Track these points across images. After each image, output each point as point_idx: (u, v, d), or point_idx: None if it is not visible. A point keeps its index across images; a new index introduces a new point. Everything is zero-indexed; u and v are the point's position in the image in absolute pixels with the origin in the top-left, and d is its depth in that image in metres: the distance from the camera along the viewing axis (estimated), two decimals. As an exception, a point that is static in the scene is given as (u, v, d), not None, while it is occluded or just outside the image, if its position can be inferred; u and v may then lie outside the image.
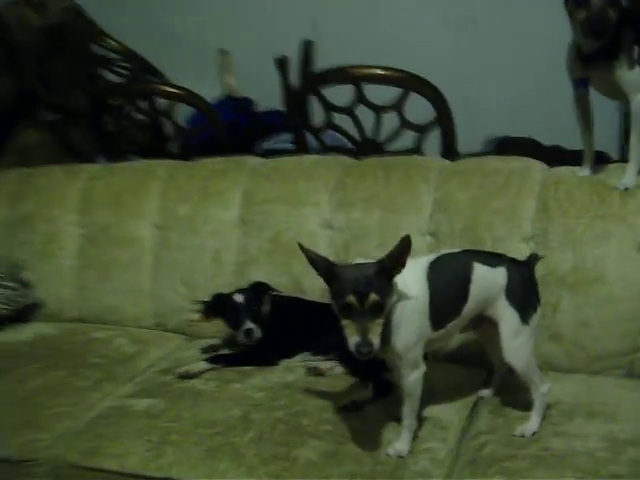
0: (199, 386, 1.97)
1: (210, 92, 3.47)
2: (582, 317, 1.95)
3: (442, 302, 1.64)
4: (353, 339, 1.44)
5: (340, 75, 2.39)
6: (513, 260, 1.74)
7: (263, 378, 1.98)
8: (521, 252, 1.99)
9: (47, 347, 2.29)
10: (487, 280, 1.68)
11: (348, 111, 2.46)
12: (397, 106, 2.40)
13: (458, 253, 1.76)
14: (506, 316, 1.68)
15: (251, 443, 1.69)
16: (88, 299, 2.51)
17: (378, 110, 2.43)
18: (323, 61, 3.44)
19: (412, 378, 1.62)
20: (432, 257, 1.71)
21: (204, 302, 2.28)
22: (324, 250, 2.14)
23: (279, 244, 2.27)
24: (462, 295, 1.67)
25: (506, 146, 2.79)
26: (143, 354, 2.24)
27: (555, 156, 2.70)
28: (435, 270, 1.66)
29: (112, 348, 2.27)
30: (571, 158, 2.58)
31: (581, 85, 2.01)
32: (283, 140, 2.98)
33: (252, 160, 2.47)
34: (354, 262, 1.59)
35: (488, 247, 2.02)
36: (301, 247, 1.54)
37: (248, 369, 2.04)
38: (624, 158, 2.14)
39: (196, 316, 2.33)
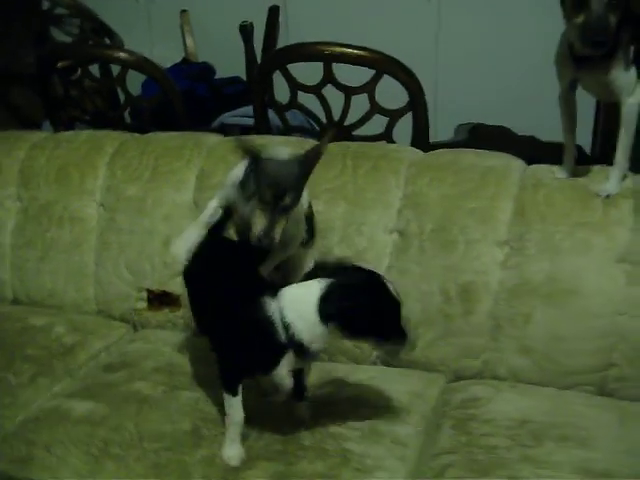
0: (145, 391, 1.80)
1: (171, 55, 3.29)
2: (555, 330, 1.82)
3: None
4: (258, 229, 1.52)
5: (309, 52, 2.20)
6: None
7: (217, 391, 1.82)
8: (495, 257, 1.90)
9: (-21, 335, 2.10)
10: None
11: (315, 90, 2.28)
12: (368, 88, 2.23)
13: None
14: None
15: (199, 462, 1.56)
16: (26, 280, 2.32)
17: (347, 91, 2.26)
18: (289, 32, 3.28)
19: None
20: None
21: (151, 290, 2.16)
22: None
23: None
24: None
25: (478, 135, 2.65)
26: (84, 345, 2.06)
27: (529, 148, 2.61)
28: None
29: (50, 338, 2.08)
30: (546, 151, 2.48)
31: (571, 86, 1.88)
32: (243, 113, 2.78)
33: (210, 138, 2.28)
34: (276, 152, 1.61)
35: (460, 250, 1.91)
36: None
37: (203, 375, 1.88)
38: (595, 154, 2.02)
39: (142, 305, 2.20)
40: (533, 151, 2.60)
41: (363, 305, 1.44)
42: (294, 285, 1.55)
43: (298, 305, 1.47)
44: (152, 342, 2.09)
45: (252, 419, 1.61)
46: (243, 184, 1.66)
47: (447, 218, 1.93)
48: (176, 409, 1.74)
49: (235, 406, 1.56)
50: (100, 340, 2.11)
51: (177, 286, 2.16)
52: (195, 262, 1.76)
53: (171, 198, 2.18)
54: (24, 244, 2.32)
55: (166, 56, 3.30)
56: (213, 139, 2.28)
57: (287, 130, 2.41)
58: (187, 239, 1.77)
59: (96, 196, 2.26)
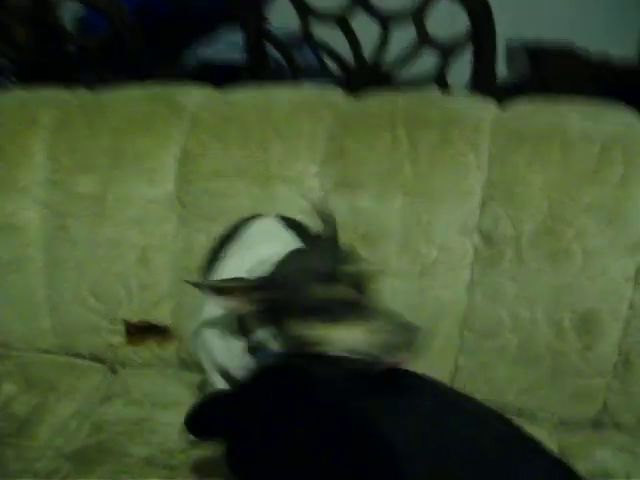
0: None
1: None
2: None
3: None
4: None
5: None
6: None
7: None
8: (626, 271, 1.32)
9: None
10: None
11: (338, 20, 1.58)
12: (416, 14, 1.54)
13: None
14: None
15: None
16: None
17: (385, 20, 1.57)
18: None
19: None
20: None
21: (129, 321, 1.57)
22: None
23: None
24: None
25: (535, 57, 1.99)
26: (42, 415, 1.45)
27: (601, 69, 1.99)
28: None
29: (-6, 406, 1.48)
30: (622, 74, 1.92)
31: None
32: (232, 43, 2.02)
33: (192, 97, 1.58)
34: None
35: (577, 264, 1.32)
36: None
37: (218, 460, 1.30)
38: None
39: (119, 340, 1.61)
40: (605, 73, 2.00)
41: None
42: None
43: None
44: (138, 397, 1.50)
45: None
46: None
47: (556, 215, 1.33)
48: None
49: None
50: (66, 400, 1.50)
51: (165, 313, 1.56)
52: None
53: (142, 194, 1.51)
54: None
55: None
56: (196, 98, 1.58)
57: (294, 73, 1.72)
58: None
59: (35, 194, 1.58)
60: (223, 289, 0.96)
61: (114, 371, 1.62)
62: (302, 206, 1.44)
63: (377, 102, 1.50)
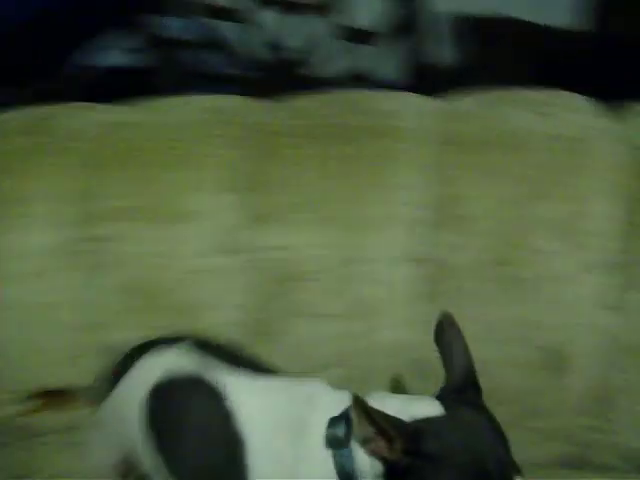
0: None
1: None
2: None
3: None
4: None
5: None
6: None
7: None
8: (600, 296, 1.13)
9: None
10: None
11: (240, 18, 1.34)
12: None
13: None
14: None
15: None
16: None
17: (296, 9, 1.33)
18: None
19: None
20: None
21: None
22: (226, 312, 1.23)
23: (143, 294, 1.23)
24: None
25: (481, 32, 1.78)
26: None
27: (548, 41, 1.81)
28: None
29: None
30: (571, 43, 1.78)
31: None
32: (120, 46, 1.73)
33: (74, 124, 1.28)
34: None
35: (541, 292, 1.14)
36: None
37: None
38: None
39: (28, 406, 1.39)
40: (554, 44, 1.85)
41: None
42: None
43: None
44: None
45: None
46: None
47: (513, 240, 1.14)
48: None
49: None
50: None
51: (68, 375, 1.33)
52: None
53: (26, 244, 1.23)
54: None
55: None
56: (78, 121, 1.30)
57: (189, 77, 1.47)
58: None
59: None
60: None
61: (24, 442, 1.40)
62: (218, 244, 1.23)
63: (298, 113, 1.27)
